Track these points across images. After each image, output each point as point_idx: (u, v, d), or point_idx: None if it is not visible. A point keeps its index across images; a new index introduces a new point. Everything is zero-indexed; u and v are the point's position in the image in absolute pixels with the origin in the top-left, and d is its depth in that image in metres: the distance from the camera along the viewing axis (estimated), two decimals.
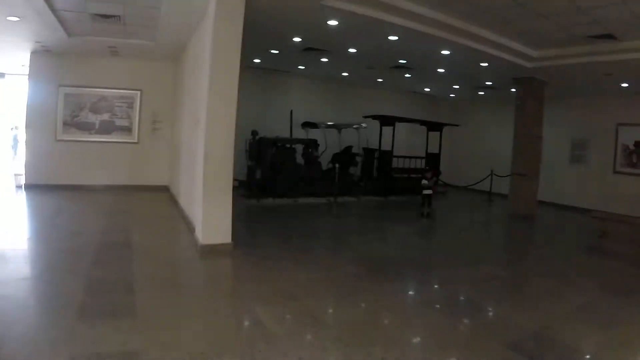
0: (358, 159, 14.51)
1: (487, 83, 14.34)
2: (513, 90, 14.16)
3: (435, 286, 6.04)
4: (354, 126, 14.35)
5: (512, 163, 13.22)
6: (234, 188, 7.20)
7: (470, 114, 19.09)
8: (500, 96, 16.78)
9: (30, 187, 11.66)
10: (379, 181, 14.70)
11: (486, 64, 11.15)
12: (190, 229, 7.90)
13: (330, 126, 14.18)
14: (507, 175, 15.20)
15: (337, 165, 11.90)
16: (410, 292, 5.85)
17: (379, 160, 14.74)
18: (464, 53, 10.06)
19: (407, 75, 13.86)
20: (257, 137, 12.56)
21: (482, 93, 16.63)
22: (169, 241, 7.42)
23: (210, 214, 6.75)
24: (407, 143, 16.56)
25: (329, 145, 13.89)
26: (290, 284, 5.50)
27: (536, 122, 12.95)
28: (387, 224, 10.88)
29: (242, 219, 9.73)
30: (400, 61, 11.79)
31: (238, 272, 6.15)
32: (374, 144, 14.99)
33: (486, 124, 18.46)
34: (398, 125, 15.13)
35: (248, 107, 14.44)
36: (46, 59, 11.86)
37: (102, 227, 8.03)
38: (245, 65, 13.96)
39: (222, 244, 6.76)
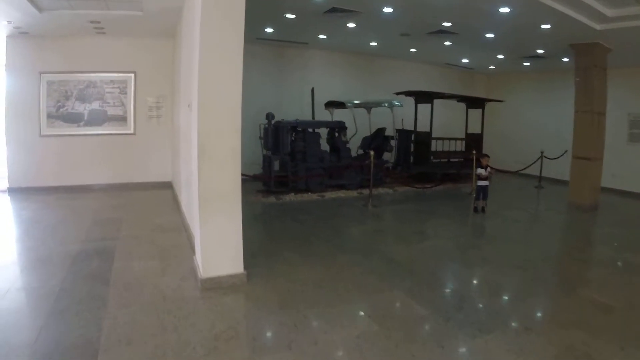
0: (392, 143, 12.42)
1: (538, 51, 12.33)
2: (565, 59, 12.67)
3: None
4: (387, 104, 12.24)
5: (573, 145, 11.20)
6: (245, 182, 5.50)
7: (512, 88, 16.80)
8: (548, 67, 14.81)
9: (14, 192, 9.95)
10: (417, 168, 12.64)
11: (548, 26, 9.20)
12: (192, 245, 6.02)
13: (359, 105, 12.05)
14: (557, 157, 13.72)
15: (371, 152, 9.88)
16: None
17: (415, 144, 12.63)
18: (527, 11, 8.17)
19: (446, 43, 11.71)
20: (273, 122, 10.59)
21: (528, 64, 14.46)
22: (162, 268, 5.51)
23: (210, 235, 4.84)
24: (442, 123, 14.35)
25: (358, 127, 11.75)
26: (344, 341, 3.58)
27: (600, 96, 10.92)
28: (439, 225, 8.79)
29: (259, 226, 7.87)
30: (445, 24, 9.63)
31: (255, 325, 4.18)
32: (407, 125, 12.91)
33: (531, 100, 16.26)
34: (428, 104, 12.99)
35: (261, 86, 12.68)
36: (24, 43, 10.07)
37: (77, 248, 6.18)
38: (255, 36, 12.13)
39: (231, 276, 4.86)
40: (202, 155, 4.70)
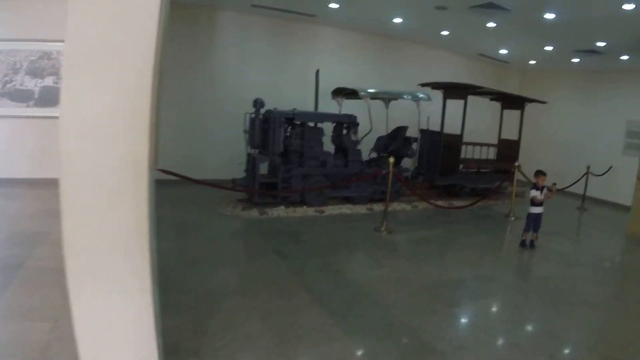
0: (414, 146, 9.87)
1: (597, 44, 9.92)
2: (624, 57, 10.73)
3: None
4: (412, 97, 9.68)
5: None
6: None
7: (550, 88, 14.19)
8: (599, 66, 12.44)
9: None
10: (443, 179, 10.14)
11: (632, 6, 6.84)
12: None
13: (376, 96, 9.42)
14: (602, 174, 11.85)
15: (390, 158, 7.43)
16: None
17: (443, 149, 10.09)
18: None
19: (490, 24, 9.20)
20: (262, 112, 8.11)
21: (577, 60, 11.98)
22: (46, 343, 3.10)
23: (89, 327, 2.40)
24: (470, 125, 11.47)
25: (373, 124, 9.03)
26: None
27: None
28: (479, 268, 6.27)
29: (220, 265, 5.35)
30: None
31: None
32: (433, 125, 10.38)
33: (573, 104, 13.84)
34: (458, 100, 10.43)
35: (254, 66, 10.24)
36: None
37: None
38: (248, 2, 9.45)
39: None
40: (68, 174, 2.25)
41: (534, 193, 7.05)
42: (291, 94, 10.39)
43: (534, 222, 7.11)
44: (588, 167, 11.53)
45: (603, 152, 12.61)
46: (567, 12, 7.86)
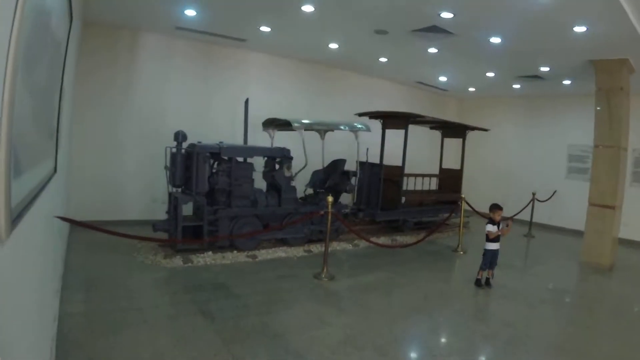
0: (353, 180, 9.15)
1: (541, 69, 9.87)
2: (566, 82, 10.85)
3: None
4: (349, 128, 9.00)
5: (590, 189, 8.88)
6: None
7: (493, 115, 14.19)
8: (540, 92, 12.59)
9: None
10: (385, 214, 9.50)
11: (583, 29, 6.73)
12: None
13: (312, 127, 8.60)
14: (546, 200, 12.04)
15: (329, 197, 6.68)
16: None
17: (384, 182, 9.47)
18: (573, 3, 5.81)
19: (432, 49, 8.82)
20: (184, 146, 7.19)
21: (518, 86, 11.96)
22: None
23: None
24: (409, 154, 10.78)
25: (309, 157, 8.21)
26: None
27: (624, 127, 8.63)
28: (437, 316, 5.53)
29: (132, 330, 4.28)
30: (444, 15, 6.65)
31: None
32: (371, 157, 9.76)
33: (516, 131, 13.89)
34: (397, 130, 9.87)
35: (179, 96, 9.28)
36: None
37: None
38: (174, 23, 8.10)
39: None
40: None
41: (490, 228, 6.53)
42: (219, 125, 9.45)
43: (491, 258, 6.58)
44: (534, 194, 11.47)
45: (546, 177, 12.73)
46: (514, 36, 7.59)
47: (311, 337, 4.54)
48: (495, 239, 6.59)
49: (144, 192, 8.92)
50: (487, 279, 6.66)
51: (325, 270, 6.52)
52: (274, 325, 4.72)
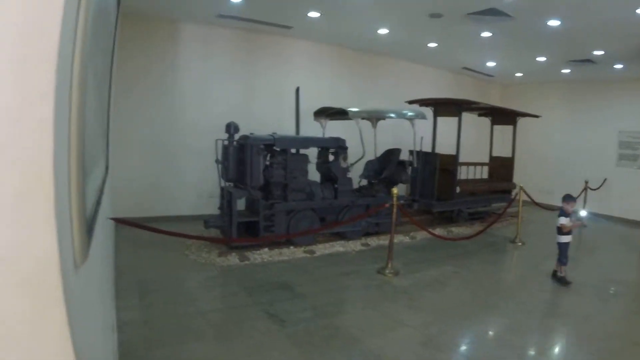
0: (409, 170, 8.75)
1: (595, 53, 9.31)
2: (618, 66, 10.28)
3: None
4: (406, 115, 8.56)
5: None
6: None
7: (537, 101, 13.51)
8: (589, 76, 11.93)
9: None
10: (441, 205, 9.10)
11: None
12: None
13: (369, 115, 8.22)
14: (597, 188, 11.54)
15: (384, 184, 6.39)
16: None
17: (439, 171, 9.06)
18: None
19: (485, 33, 8.37)
20: (236, 138, 6.89)
21: (568, 71, 11.35)
22: None
23: None
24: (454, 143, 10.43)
25: (366, 147, 7.84)
26: None
27: None
28: (515, 313, 5.21)
29: (208, 334, 4.02)
30: None
31: None
32: (425, 146, 9.34)
33: (564, 116, 13.28)
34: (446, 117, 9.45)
35: (223, 85, 8.98)
36: None
37: None
38: (216, 12, 7.79)
39: None
40: None
41: (563, 221, 6.08)
42: (264, 116, 9.16)
43: (564, 251, 6.15)
44: (586, 182, 10.94)
45: (596, 165, 12.10)
46: (574, 18, 7.10)
47: (390, 339, 4.24)
48: (569, 232, 6.16)
49: (192, 187, 8.68)
50: (564, 277, 6.20)
51: (389, 265, 6.20)
52: (347, 328, 4.43)
